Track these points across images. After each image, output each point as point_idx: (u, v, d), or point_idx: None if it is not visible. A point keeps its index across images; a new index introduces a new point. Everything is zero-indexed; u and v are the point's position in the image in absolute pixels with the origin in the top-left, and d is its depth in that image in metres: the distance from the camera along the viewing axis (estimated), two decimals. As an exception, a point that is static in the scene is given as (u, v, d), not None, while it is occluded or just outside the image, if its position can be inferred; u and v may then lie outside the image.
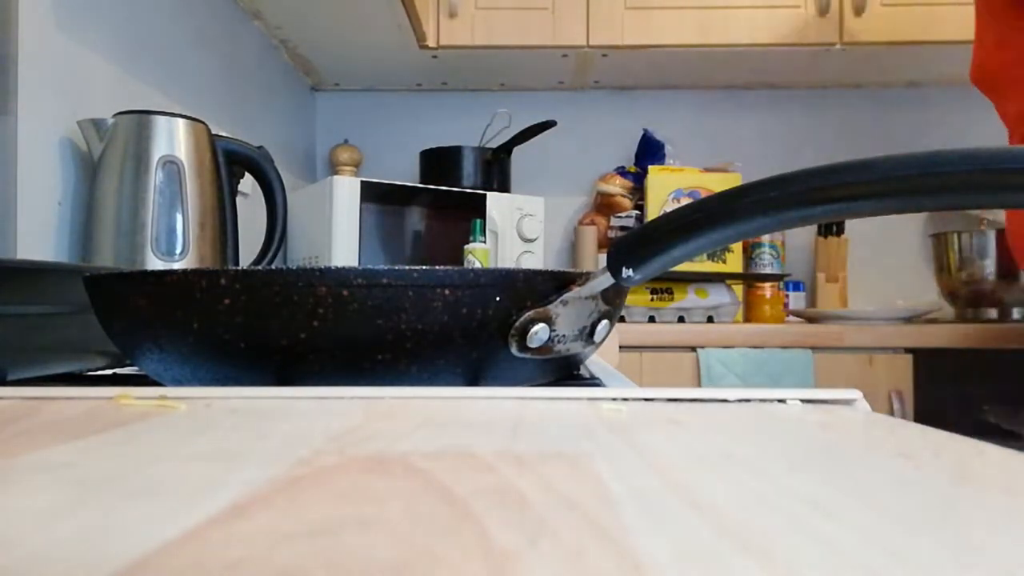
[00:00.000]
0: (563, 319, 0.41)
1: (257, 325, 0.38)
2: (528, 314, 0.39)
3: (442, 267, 0.38)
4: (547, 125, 1.70)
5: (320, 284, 0.37)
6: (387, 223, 1.53)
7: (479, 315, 0.38)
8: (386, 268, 0.37)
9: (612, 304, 0.44)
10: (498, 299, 0.39)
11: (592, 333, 0.43)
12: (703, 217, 0.35)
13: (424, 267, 0.38)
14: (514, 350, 0.40)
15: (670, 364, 1.46)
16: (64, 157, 0.92)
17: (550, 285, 0.40)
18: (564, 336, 0.41)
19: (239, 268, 0.38)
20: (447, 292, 0.38)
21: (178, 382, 0.42)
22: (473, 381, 0.40)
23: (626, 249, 0.39)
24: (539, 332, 0.40)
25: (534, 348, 0.40)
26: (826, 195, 0.32)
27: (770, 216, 0.33)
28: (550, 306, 0.40)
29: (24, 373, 0.46)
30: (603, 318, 0.43)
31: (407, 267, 0.37)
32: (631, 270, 0.38)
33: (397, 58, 1.78)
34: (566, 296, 0.40)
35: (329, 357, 0.38)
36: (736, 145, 1.98)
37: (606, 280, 0.40)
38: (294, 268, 0.38)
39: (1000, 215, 1.77)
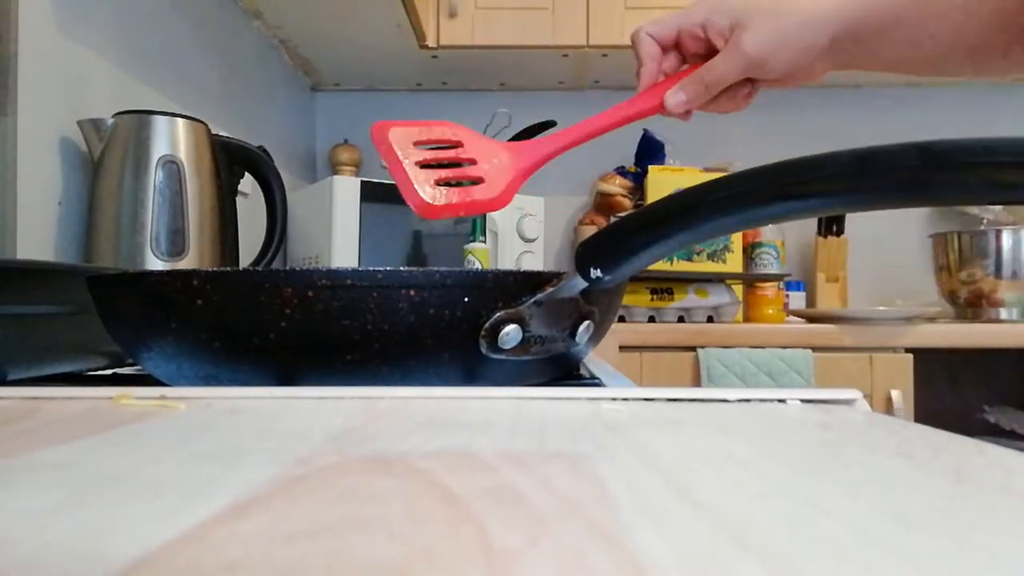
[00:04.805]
0: (538, 320, 0.40)
1: (229, 325, 0.39)
2: (498, 315, 0.39)
3: (407, 268, 0.38)
4: (547, 125, 1.69)
5: (286, 286, 0.37)
6: (387, 223, 1.53)
7: (447, 316, 0.38)
8: (350, 269, 0.38)
9: (598, 305, 0.44)
10: (466, 300, 0.39)
11: (574, 334, 0.43)
12: (666, 216, 0.34)
13: (389, 268, 0.38)
14: (485, 351, 0.39)
15: (670, 364, 1.46)
16: (64, 157, 0.92)
17: (523, 286, 0.40)
18: (542, 337, 0.41)
19: (210, 270, 0.39)
20: (412, 293, 0.38)
21: (169, 379, 0.43)
22: (451, 382, 0.40)
23: (593, 249, 0.38)
24: (511, 333, 0.39)
25: (508, 349, 0.40)
26: (793, 191, 0.31)
27: (731, 215, 0.32)
28: (522, 307, 0.40)
29: (24, 373, 0.46)
30: (585, 319, 0.43)
31: (371, 268, 0.38)
32: (599, 271, 0.38)
33: (397, 58, 1.78)
34: (539, 297, 0.40)
35: (300, 357, 0.39)
36: (736, 145, 1.98)
37: (579, 282, 0.39)
38: (263, 270, 0.38)
39: (1000, 214, 1.77)
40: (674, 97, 0.56)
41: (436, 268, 0.39)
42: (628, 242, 0.37)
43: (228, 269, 0.39)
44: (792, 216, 0.32)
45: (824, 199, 0.30)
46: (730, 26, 0.55)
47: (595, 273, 0.38)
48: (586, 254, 0.38)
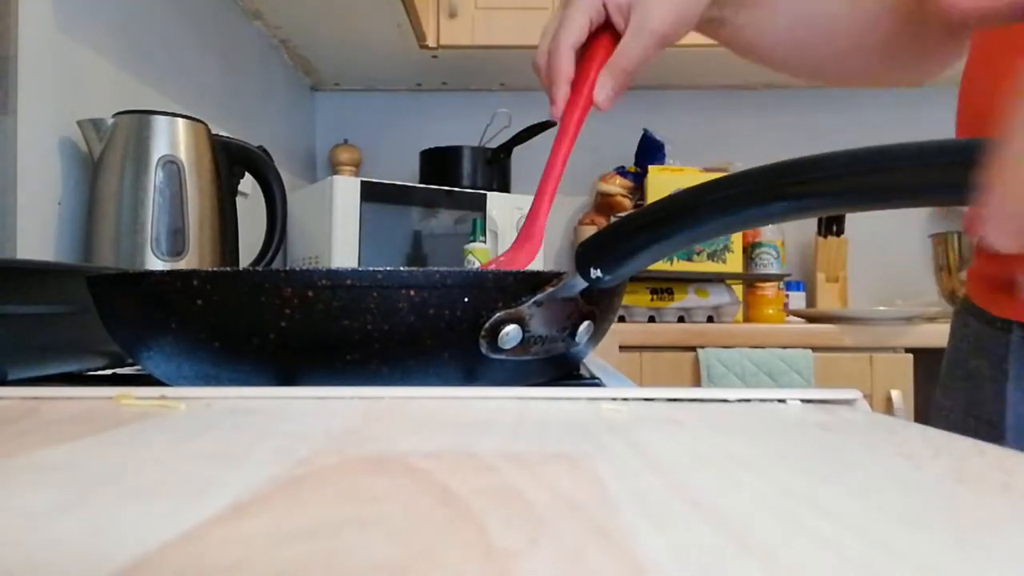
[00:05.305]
0: (538, 320, 0.40)
1: (229, 325, 0.39)
2: (498, 315, 0.39)
3: (407, 268, 0.38)
4: (547, 125, 1.69)
5: (286, 286, 0.37)
6: (387, 223, 1.53)
7: (447, 316, 0.38)
8: (350, 269, 0.38)
9: (598, 305, 0.44)
10: (466, 300, 0.39)
11: (574, 334, 0.43)
12: (666, 216, 0.34)
13: (389, 268, 0.38)
14: (485, 351, 0.39)
15: (670, 364, 1.46)
16: (64, 157, 0.92)
17: (522, 286, 0.40)
18: (542, 337, 0.41)
19: (210, 270, 0.39)
20: (412, 293, 0.38)
21: (169, 379, 0.43)
22: (451, 382, 0.40)
23: (593, 249, 0.38)
24: (511, 333, 0.39)
25: (508, 349, 0.40)
26: (793, 191, 0.30)
27: (730, 215, 0.32)
28: (522, 307, 0.40)
29: (24, 373, 0.46)
30: (585, 319, 0.43)
31: (371, 268, 0.38)
32: (599, 270, 0.38)
33: (397, 58, 1.78)
34: (539, 297, 0.40)
35: (300, 357, 0.39)
36: (736, 145, 1.98)
37: (579, 281, 0.39)
38: (262, 270, 0.38)
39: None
40: (602, 92, 0.57)
41: (436, 268, 0.39)
42: (628, 242, 0.37)
43: (228, 269, 0.40)
44: (792, 216, 0.32)
45: (823, 199, 0.30)
46: (628, 3, 0.55)
47: (595, 273, 0.38)
48: (586, 254, 0.38)
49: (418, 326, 0.38)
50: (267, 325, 0.38)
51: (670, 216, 0.34)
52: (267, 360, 0.39)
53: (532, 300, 0.40)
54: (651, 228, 0.35)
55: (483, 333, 0.39)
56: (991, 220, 0.28)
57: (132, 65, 1.07)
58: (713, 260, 1.60)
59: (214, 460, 0.21)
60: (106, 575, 0.12)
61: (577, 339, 0.43)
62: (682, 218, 0.34)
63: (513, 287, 0.40)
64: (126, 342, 0.44)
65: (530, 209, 0.59)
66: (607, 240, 0.38)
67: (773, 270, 1.70)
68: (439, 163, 1.76)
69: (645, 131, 1.89)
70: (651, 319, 1.55)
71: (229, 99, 1.41)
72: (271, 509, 0.16)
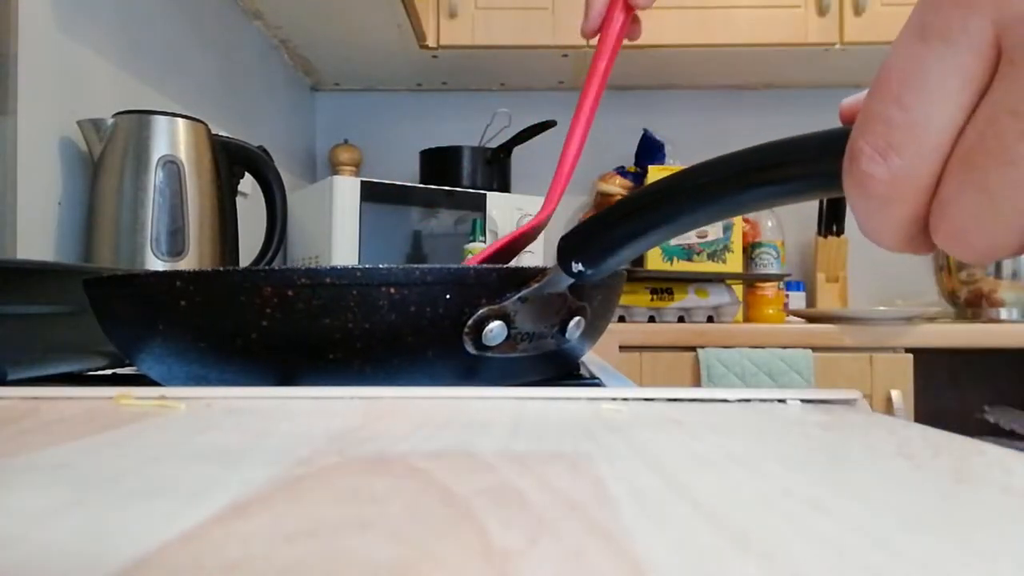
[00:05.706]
0: (523, 316, 0.40)
1: (213, 325, 0.39)
2: (481, 312, 0.39)
3: (386, 265, 0.38)
4: (547, 125, 1.70)
5: (265, 285, 0.37)
6: (387, 223, 1.53)
7: (428, 314, 0.38)
8: (328, 268, 0.37)
9: (589, 301, 0.43)
10: (448, 297, 0.38)
11: (563, 330, 0.42)
12: (648, 205, 0.33)
13: (368, 266, 0.38)
14: (470, 348, 0.39)
15: (670, 364, 1.46)
16: (64, 157, 0.92)
17: (506, 283, 0.39)
18: (529, 334, 0.41)
19: (190, 270, 0.39)
20: (392, 291, 0.37)
21: (162, 379, 0.43)
22: (439, 380, 0.40)
23: (574, 242, 0.37)
24: (495, 330, 0.39)
25: (493, 346, 0.39)
26: (774, 175, 0.29)
27: (712, 202, 0.31)
28: (506, 303, 0.39)
29: (24, 373, 0.46)
30: (575, 314, 0.43)
31: (351, 266, 0.38)
32: (580, 264, 0.37)
33: (397, 58, 1.78)
34: (524, 293, 0.39)
35: (283, 357, 0.39)
36: (736, 145, 1.94)
37: (564, 277, 0.38)
38: (242, 269, 0.38)
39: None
40: None
41: (416, 265, 0.38)
42: (609, 234, 0.35)
43: (209, 269, 0.39)
44: (780, 201, 0.30)
45: (805, 182, 0.29)
46: None
47: (576, 267, 0.37)
48: (567, 248, 0.37)
49: (399, 324, 0.38)
50: (249, 325, 0.38)
51: (651, 205, 0.33)
52: (252, 360, 0.39)
53: (516, 296, 0.39)
54: (632, 219, 0.34)
55: (466, 330, 0.39)
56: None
57: (132, 65, 1.07)
58: (713, 260, 1.60)
59: (214, 460, 0.21)
60: (106, 575, 0.12)
61: (567, 335, 0.43)
62: (663, 207, 0.32)
63: (496, 283, 0.39)
64: (121, 344, 0.44)
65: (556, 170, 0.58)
66: (588, 233, 0.37)
67: (773, 270, 1.70)
68: (439, 163, 1.76)
69: (645, 131, 1.89)
70: (651, 319, 1.55)
71: (229, 99, 1.41)
72: (271, 509, 0.16)
